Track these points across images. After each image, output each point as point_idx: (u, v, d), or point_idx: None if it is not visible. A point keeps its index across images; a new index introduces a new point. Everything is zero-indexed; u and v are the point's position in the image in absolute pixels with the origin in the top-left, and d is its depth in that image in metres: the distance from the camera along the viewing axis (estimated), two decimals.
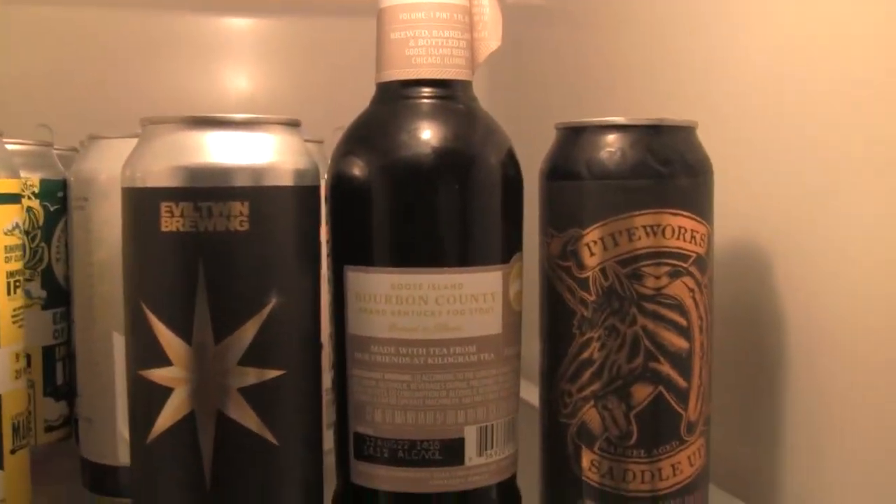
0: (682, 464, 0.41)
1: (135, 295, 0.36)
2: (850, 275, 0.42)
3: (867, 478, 0.42)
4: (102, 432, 0.45)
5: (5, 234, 0.42)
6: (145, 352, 0.36)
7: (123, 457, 0.45)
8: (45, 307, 0.51)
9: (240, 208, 0.35)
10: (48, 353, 0.52)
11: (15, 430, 0.43)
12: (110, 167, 0.44)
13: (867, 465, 0.41)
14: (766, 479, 0.47)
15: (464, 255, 0.39)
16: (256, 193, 0.35)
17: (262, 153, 0.36)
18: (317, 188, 0.38)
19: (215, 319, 0.35)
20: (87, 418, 0.46)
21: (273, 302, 0.36)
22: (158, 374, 0.36)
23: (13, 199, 0.43)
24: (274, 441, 0.36)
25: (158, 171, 0.35)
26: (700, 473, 0.42)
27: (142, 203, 0.36)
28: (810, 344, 0.45)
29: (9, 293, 0.42)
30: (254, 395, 0.36)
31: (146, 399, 0.36)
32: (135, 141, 0.41)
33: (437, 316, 0.38)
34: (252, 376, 0.36)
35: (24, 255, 0.44)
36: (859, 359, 0.42)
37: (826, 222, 0.44)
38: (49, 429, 0.51)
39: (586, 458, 0.41)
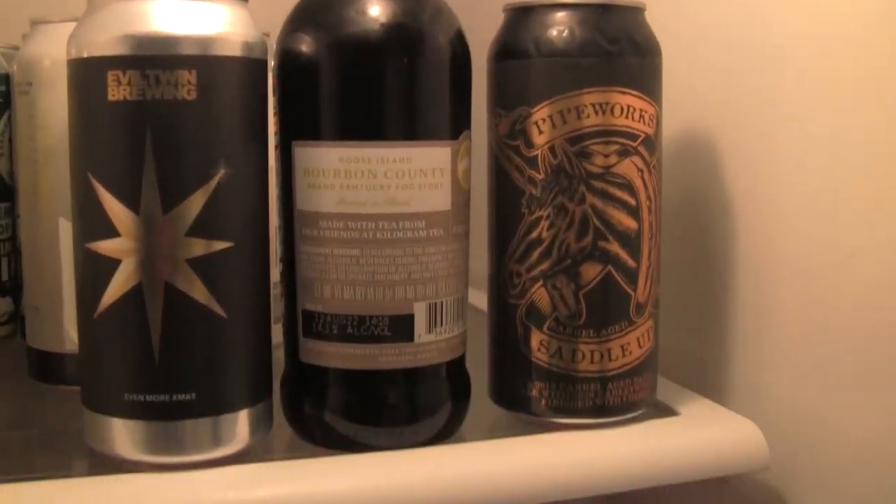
0: (631, 345, 0.42)
1: (82, 167, 0.36)
2: (796, 159, 0.43)
3: (811, 367, 0.43)
4: (49, 320, 0.45)
5: None
6: (93, 224, 0.36)
7: (70, 344, 0.45)
8: None
9: (188, 77, 0.35)
10: None
11: None
12: (55, 51, 0.44)
13: (811, 356, 0.43)
14: (711, 369, 0.48)
15: (412, 130, 0.39)
16: (205, 62, 0.35)
17: (212, 23, 0.36)
18: (264, 63, 0.38)
19: (163, 189, 0.35)
20: (33, 307, 0.46)
21: (221, 173, 0.36)
22: (106, 246, 0.36)
23: None
24: (222, 313, 0.37)
25: (105, 40, 0.35)
26: (649, 356, 0.43)
27: (88, 73, 0.36)
28: (756, 230, 0.46)
29: None
30: (202, 266, 0.36)
31: (93, 273, 0.36)
32: None
33: (386, 190, 0.38)
34: (200, 247, 0.36)
35: None
36: (805, 247, 0.43)
37: (772, 110, 0.44)
38: None
39: (535, 339, 0.42)
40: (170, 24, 0.35)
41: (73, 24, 0.43)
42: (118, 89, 0.35)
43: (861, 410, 0.40)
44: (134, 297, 0.36)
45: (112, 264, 0.36)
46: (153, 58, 0.35)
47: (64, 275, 0.44)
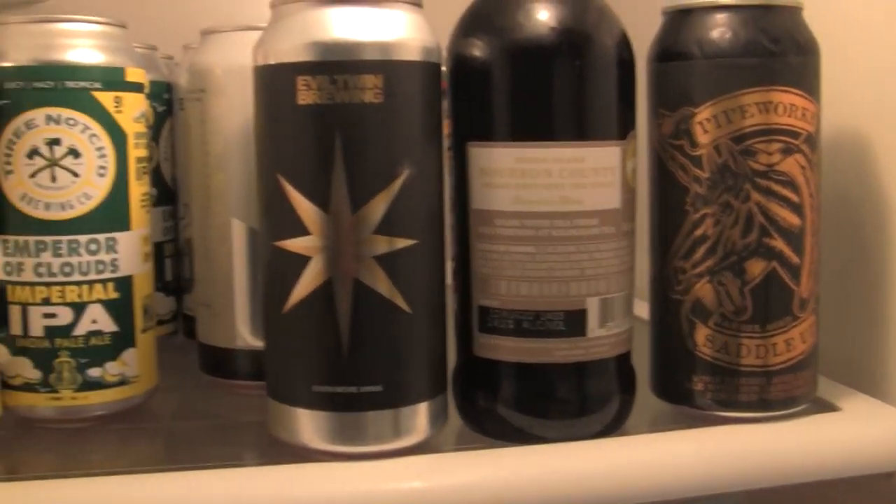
0: (794, 340, 0.43)
1: (272, 169, 0.39)
2: None
3: None
4: (221, 317, 0.48)
5: (135, 121, 0.45)
6: (283, 223, 0.39)
7: (241, 341, 0.48)
8: (155, 205, 0.54)
9: (374, 81, 0.37)
10: (158, 249, 0.54)
11: (145, 311, 0.46)
12: (226, 60, 0.47)
13: None
14: (869, 366, 0.49)
15: (585, 130, 0.41)
16: (389, 67, 0.38)
17: (394, 29, 0.38)
18: (439, 66, 0.40)
19: (352, 189, 0.38)
20: (205, 305, 0.49)
21: (405, 173, 0.38)
22: (296, 244, 0.38)
23: (139, 88, 0.45)
24: (406, 308, 0.39)
25: (293, 47, 0.38)
26: (811, 352, 0.44)
27: (277, 79, 0.38)
28: None
29: (137, 178, 0.45)
30: (387, 262, 0.38)
31: (282, 270, 0.39)
32: (250, 33, 0.43)
33: (561, 189, 0.40)
34: (386, 244, 0.38)
35: (147, 145, 0.46)
36: None
37: None
38: (159, 322, 0.53)
39: (701, 334, 0.43)
40: (355, 31, 0.38)
41: (242, 34, 0.47)
42: (308, 94, 0.37)
43: None
44: (324, 292, 0.38)
45: (301, 261, 0.38)
46: (341, 63, 0.37)
47: (236, 274, 0.47)
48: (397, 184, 0.38)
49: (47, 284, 0.43)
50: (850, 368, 0.50)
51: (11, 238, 0.43)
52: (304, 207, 0.38)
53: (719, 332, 0.43)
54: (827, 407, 0.45)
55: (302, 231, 0.38)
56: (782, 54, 0.42)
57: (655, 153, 0.44)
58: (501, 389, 0.42)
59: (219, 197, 0.47)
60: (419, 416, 0.40)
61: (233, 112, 0.47)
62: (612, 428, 0.43)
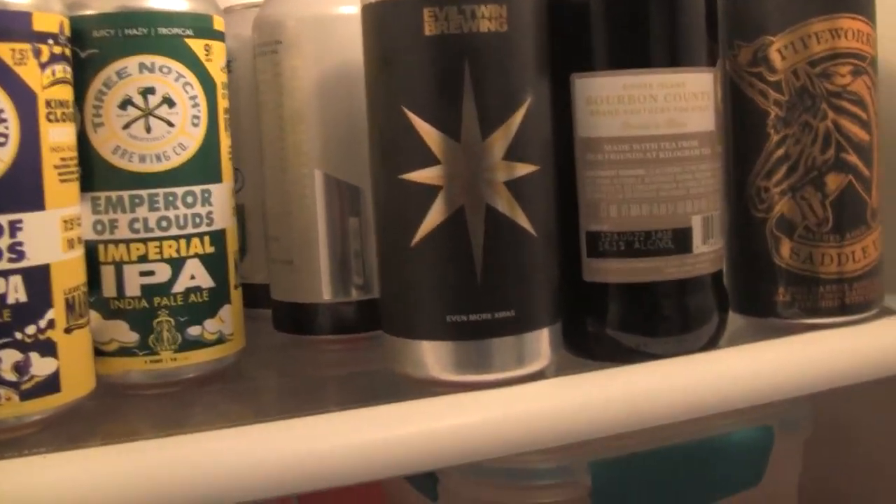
0: (868, 248, 0.48)
1: (395, 102, 0.40)
2: None
3: None
4: (305, 272, 0.49)
5: (221, 70, 0.46)
6: (409, 156, 0.40)
7: (328, 294, 0.49)
8: None
9: (500, 10, 0.40)
10: None
11: (236, 266, 0.47)
12: (299, 11, 0.48)
13: None
14: None
15: (685, 57, 0.44)
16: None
17: None
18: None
19: (482, 116, 0.40)
20: (286, 261, 0.50)
21: (528, 101, 0.41)
22: (425, 175, 0.40)
23: (223, 36, 0.46)
24: (533, 232, 0.41)
25: None
26: (880, 259, 0.49)
27: (400, 11, 0.40)
28: None
29: (226, 129, 0.46)
30: (518, 188, 0.41)
31: (409, 203, 0.41)
32: None
33: (666, 112, 0.44)
34: (516, 170, 0.41)
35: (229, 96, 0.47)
36: None
37: None
38: None
39: (786, 247, 0.47)
40: None
41: None
42: (435, 24, 0.40)
43: None
44: (456, 220, 0.40)
45: (430, 192, 0.40)
46: None
47: (320, 227, 0.48)
48: (521, 111, 0.41)
49: (144, 241, 0.43)
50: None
51: (103, 194, 0.43)
52: (434, 138, 0.40)
53: (803, 244, 0.47)
54: (891, 312, 0.51)
55: (432, 161, 0.40)
56: None
57: (731, 81, 0.48)
58: (611, 311, 0.45)
59: (296, 150, 0.48)
60: (542, 342, 0.43)
61: (310, 63, 0.48)
62: (714, 342, 0.46)
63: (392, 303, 0.43)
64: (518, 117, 0.41)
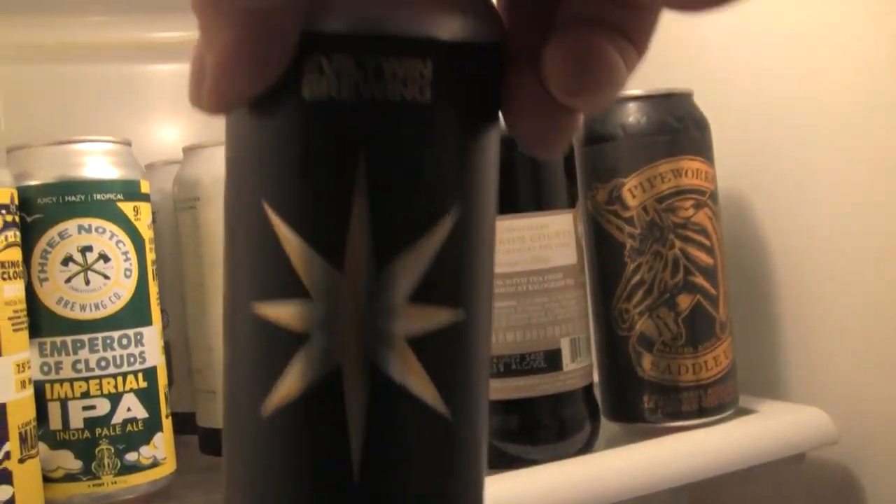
0: (720, 357, 0.59)
1: (255, 196, 0.26)
2: (820, 210, 0.62)
3: (858, 363, 0.61)
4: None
5: (148, 227, 0.56)
6: (268, 279, 0.26)
7: None
8: None
9: (420, 68, 0.25)
10: None
11: (166, 397, 0.56)
12: (214, 170, 0.59)
13: (855, 352, 0.61)
14: (767, 377, 0.66)
15: (548, 201, 0.56)
16: (441, 48, 0.25)
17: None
18: (499, 48, 0.27)
19: (379, 234, 0.25)
20: (209, 391, 0.60)
21: (457, 212, 0.26)
22: (286, 312, 0.26)
23: (148, 198, 0.57)
24: (444, 410, 0.27)
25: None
26: (732, 365, 0.60)
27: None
28: (791, 263, 0.64)
29: (153, 278, 0.56)
30: (427, 345, 0.26)
31: (262, 351, 0.26)
32: None
33: (532, 251, 0.55)
34: (426, 319, 0.26)
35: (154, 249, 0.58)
36: (834, 263, 0.62)
37: (794, 172, 0.64)
38: None
39: (647, 361, 0.58)
40: None
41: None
42: (320, 83, 0.25)
43: None
44: (329, 387, 0.26)
45: (293, 340, 0.26)
46: (375, 40, 0.25)
47: None
48: (443, 228, 0.26)
49: (86, 379, 0.53)
50: (755, 379, 0.66)
51: (49, 340, 0.53)
52: (303, 257, 0.25)
53: (662, 356, 0.58)
54: (747, 412, 0.62)
55: (298, 292, 0.25)
56: (685, 130, 0.59)
57: (591, 218, 0.60)
58: (494, 424, 0.55)
59: (216, 291, 0.59)
60: None
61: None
62: (588, 446, 0.57)
63: (242, 488, 0.27)
64: (437, 238, 0.26)
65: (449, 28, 0.25)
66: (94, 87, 0.83)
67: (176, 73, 0.80)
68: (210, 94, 0.24)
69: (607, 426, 0.60)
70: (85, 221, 0.53)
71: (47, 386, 0.53)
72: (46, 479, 0.53)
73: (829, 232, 0.61)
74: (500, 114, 0.26)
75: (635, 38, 0.25)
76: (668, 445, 0.57)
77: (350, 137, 0.25)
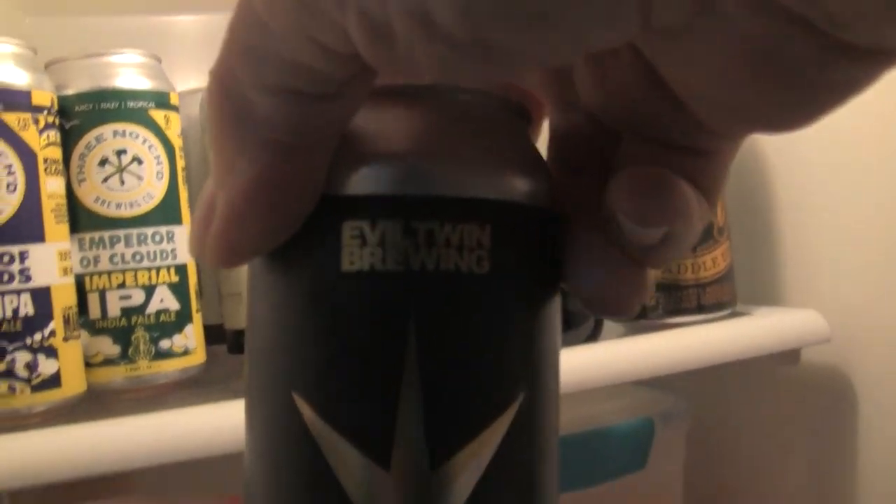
0: (717, 259, 0.63)
1: (283, 384, 0.22)
2: None
3: (853, 269, 0.66)
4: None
5: (178, 136, 0.61)
6: (300, 480, 0.22)
7: None
8: None
9: (479, 235, 0.22)
10: None
11: (197, 294, 0.61)
12: None
13: (850, 259, 0.66)
14: (765, 286, 0.70)
15: None
16: (504, 211, 0.22)
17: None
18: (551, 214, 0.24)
19: (434, 426, 0.22)
20: (236, 293, 0.64)
21: (525, 397, 0.23)
22: None
23: (178, 109, 0.62)
24: None
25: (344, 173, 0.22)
26: (730, 268, 0.65)
27: (312, 225, 0.22)
28: (788, 172, 0.69)
29: (184, 183, 0.61)
30: None
31: None
32: None
33: None
34: None
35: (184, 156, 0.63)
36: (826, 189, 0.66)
37: None
38: None
39: None
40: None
41: None
42: (362, 253, 0.22)
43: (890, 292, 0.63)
44: None
45: None
46: (427, 202, 0.22)
47: None
48: (508, 418, 0.22)
49: (122, 271, 0.58)
50: (754, 289, 0.71)
51: (87, 235, 0.58)
52: (344, 456, 0.22)
53: None
54: (745, 313, 0.66)
55: (336, 497, 0.22)
56: None
57: None
58: None
59: None
60: None
61: None
62: (594, 338, 0.62)
63: None
64: (500, 428, 0.22)
65: (509, 188, 0.22)
66: (120, 39, 0.88)
67: (199, 23, 0.85)
68: (217, 239, 0.21)
69: (611, 324, 0.65)
70: (119, 127, 0.58)
71: (87, 278, 0.58)
72: (88, 365, 0.58)
73: (826, 140, 0.66)
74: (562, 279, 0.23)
75: (703, 186, 0.22)
76: (670, 336, 0.62)
77: (396, 316, 0.21)
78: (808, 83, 0.18)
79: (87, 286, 0.58)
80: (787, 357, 0.64)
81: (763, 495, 0.75)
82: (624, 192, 0.21)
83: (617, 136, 0.23)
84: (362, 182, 0.21)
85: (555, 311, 0.23)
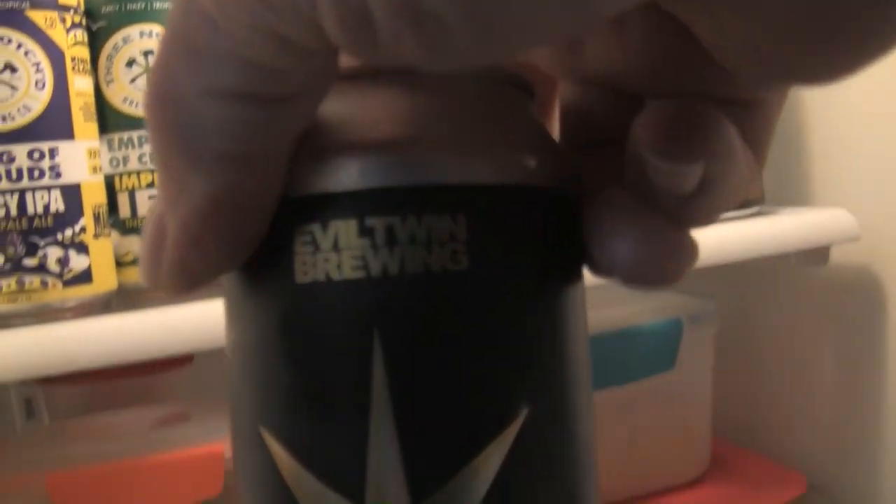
0: None
1: (250, 417, 0.20)
2: None
3: (882, 167, 0.66)
4: None
5: None
6: None
7: None
8: None
9: (451, 228, 0.18)
10: None
11: None
12: None
13: (879, 157, 0.66)
14: (794, 187, 0.70)
15: None
16: (478, 199, 0.19)
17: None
18: (550, 193, 0.21)
19: (412, 461, 0.18)
20: None
21: (525, 414, 0.19)
22: None
23: None
24: None
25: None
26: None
27: (267, 236, 0.19)
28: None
29: None
30: None
31: None
32: None
33: None
34: None
35: None
36: None
37: None
38: None
39: None
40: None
41: None
42: (314, 260, 0.18)
43: None
44: None
45: None
46: (391, 192, 0.19)
47: None
48: (505, 440, 0.19)
49: (151, 171, 0.59)
50: (783, 191, 0.71)
51: (116, 136, 0.59)
52: (311, 495, 0.18)
53: None
54: (769, 212, 0.66)
55: None
56: None
57: None
58: None
59: None
60: None
61: None
62: None
63: None
64: (497, 453, 0.18)
65: (485, 169, 0.19)
66: None
67: None
68: (172, 265, 0.19)
69: None
70: (146, 27, 0.59)
71: (116, 178, 0.59)
72: (119, 264, 0.59)
73: None
74: (586, 255, 0.19)
75: (750, 138, 0.20)
76: (696, 234, 0.62)
77: (358, 333, 0.18)
78: (864, 28, 0.16)
79: (117, 186, 0.59)
80: (817, 257, 0.64)
81: (792, 396, 0.76)
82: (650, 126, 0.18)
83: (639, 104, 0.20)
84: (310, 180, 0.18)
85: (570, 303, 0.20)
